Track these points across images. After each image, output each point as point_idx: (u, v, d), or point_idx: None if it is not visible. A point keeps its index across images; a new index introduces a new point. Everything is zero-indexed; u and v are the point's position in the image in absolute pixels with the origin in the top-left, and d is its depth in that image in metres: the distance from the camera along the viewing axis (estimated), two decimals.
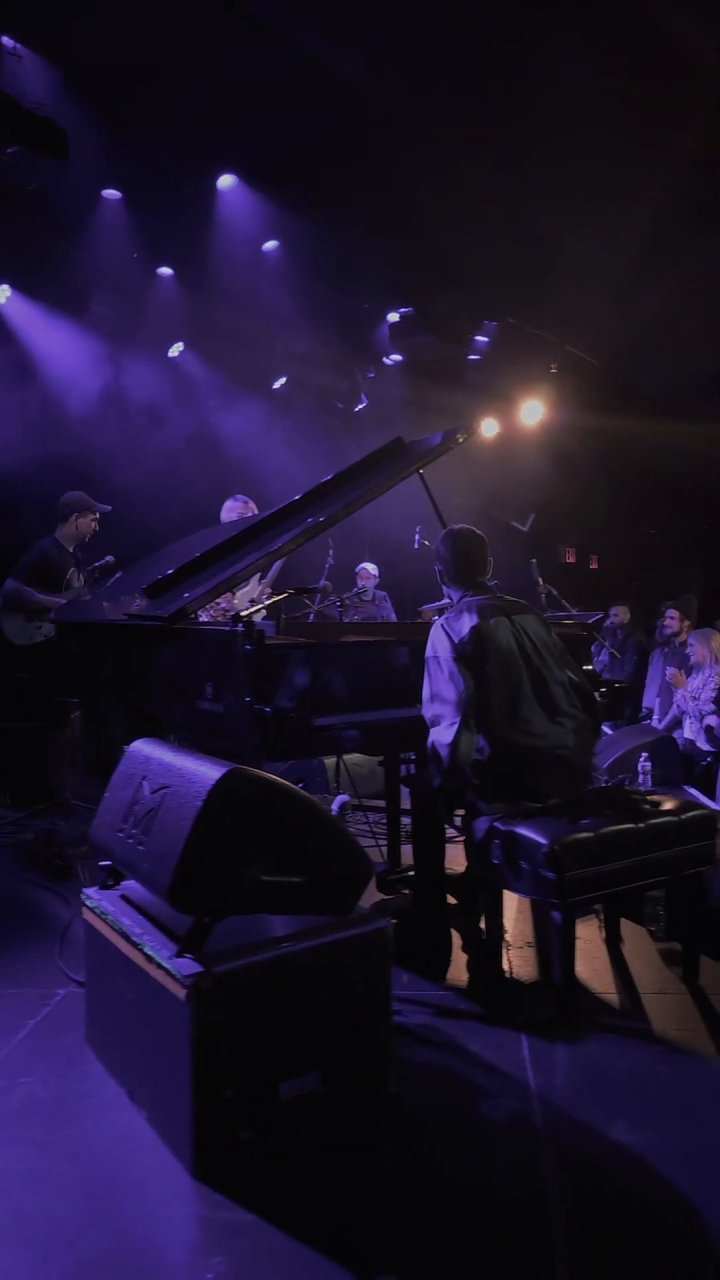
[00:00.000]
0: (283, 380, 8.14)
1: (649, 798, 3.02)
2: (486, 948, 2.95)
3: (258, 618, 5.52)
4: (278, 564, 6.29)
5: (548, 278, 6.57)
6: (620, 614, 8.92)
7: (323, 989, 2.14)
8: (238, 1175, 1.95)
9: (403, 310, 7.29)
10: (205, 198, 6.07)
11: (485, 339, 8.15)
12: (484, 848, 2.82)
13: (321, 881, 2.18)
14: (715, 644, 6.23)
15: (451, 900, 3.37)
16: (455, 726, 2.87)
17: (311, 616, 6.20)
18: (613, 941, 3.23)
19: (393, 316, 7.48)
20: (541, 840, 2.61)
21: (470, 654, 2.90)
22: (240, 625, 2.86)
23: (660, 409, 9.29)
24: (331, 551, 7.00)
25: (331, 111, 4.90)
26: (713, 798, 5.37)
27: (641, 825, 2.75)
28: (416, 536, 7.34)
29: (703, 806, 2.95)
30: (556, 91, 4.71)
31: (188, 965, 2.00)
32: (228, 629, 2.98)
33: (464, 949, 3.17)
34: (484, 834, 2.82)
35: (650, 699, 7.25)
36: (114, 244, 6.04)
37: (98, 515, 5.48)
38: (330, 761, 5.31)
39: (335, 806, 3.38)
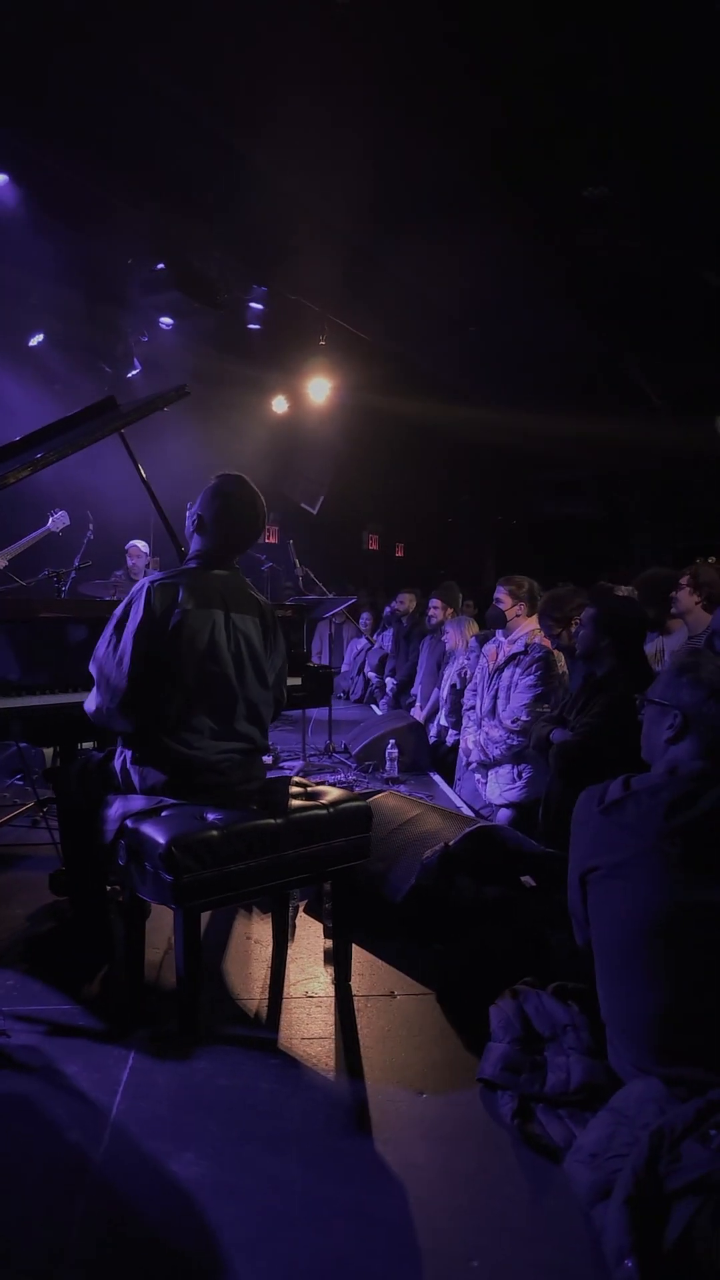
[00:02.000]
0: (39, 337, 7.50)
1: (312, 788, 2.86)
2: (124, 956, 2.70)
3: None
4: (26, 539, 5.93)
5: (293, 241, 6.35)
6: (406, 602, 8.90)
7: None
8: None
9: (157, 266, 6.86)
10: None
11: (260, 307, 7.86)
12: (113, 849, 2.56)
13: None
14: (469, 630, 6.27)
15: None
16: (112, 713, 2.62)
17: (64, 592, 5.87)
18: (280, 940, 3.06)
19: (144, 272, 7.04)
20: (160, 840, 2.38)
21: (165, 641, 2.55)
22: None
23: (442, 391, 9.34)
24: (91, 526, 6.65)
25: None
26: (451, 784, 5.37)
27: (279, 821, 2.56)
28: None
29: (358, 798, 2.81)
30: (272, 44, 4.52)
31: None
32: None
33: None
34: (114, 834, 2.57)
35: (416, 686, 7.25)
36: None
37: None
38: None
39: None
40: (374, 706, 8.85)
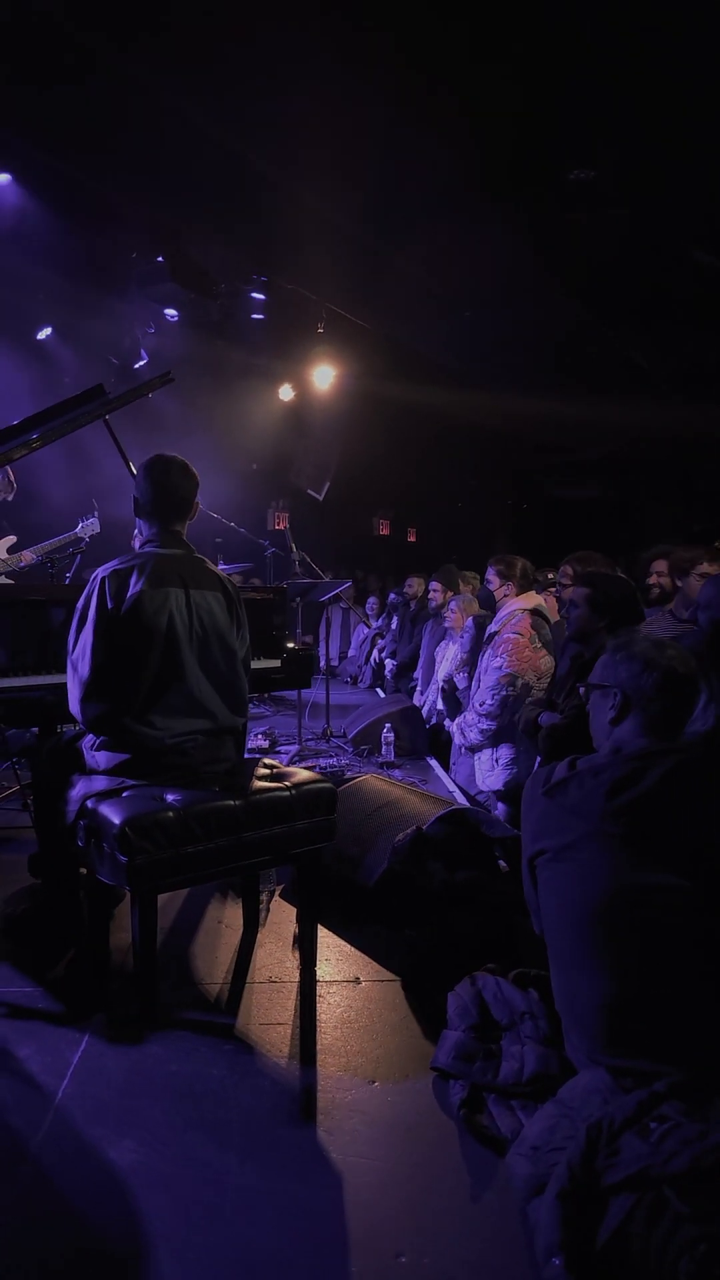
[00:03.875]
0: (48, 331, 7.49)
1: (280, 770, 2.80)
2: (87, 939, 2.68)
3: None
4: (54, 539, 5.89)
5: (288, 233, 6.26)
6: (415, 585, 8.81)
7: None
8: None
9: (158, 259, 6.83)
10: None
11: (261, 297, 7.78)
12: (73, 830, 2.53)
13: None
14: (470, 609, 6.16)
15: None
16: (81, 702, 2.58)
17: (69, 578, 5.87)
18: (250, 923, 3.02)
19: (145, 266, 7.02)
20: (115, 821, 2.34)
21: (122, 624, 2.53)
22: None
23: (446, 378, 9.19)
24: (95, 515, 6.64)
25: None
26: (447, 769, 5.29)
27: (238, 802, 2.51)
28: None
29: (323, 779, 2.74)
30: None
31: None
32: None
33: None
34: (75, 815, 2.53)
35: (418, 670, 7.17)
36: None
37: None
38: None
39: None
40: (379, 691, 8.79)
